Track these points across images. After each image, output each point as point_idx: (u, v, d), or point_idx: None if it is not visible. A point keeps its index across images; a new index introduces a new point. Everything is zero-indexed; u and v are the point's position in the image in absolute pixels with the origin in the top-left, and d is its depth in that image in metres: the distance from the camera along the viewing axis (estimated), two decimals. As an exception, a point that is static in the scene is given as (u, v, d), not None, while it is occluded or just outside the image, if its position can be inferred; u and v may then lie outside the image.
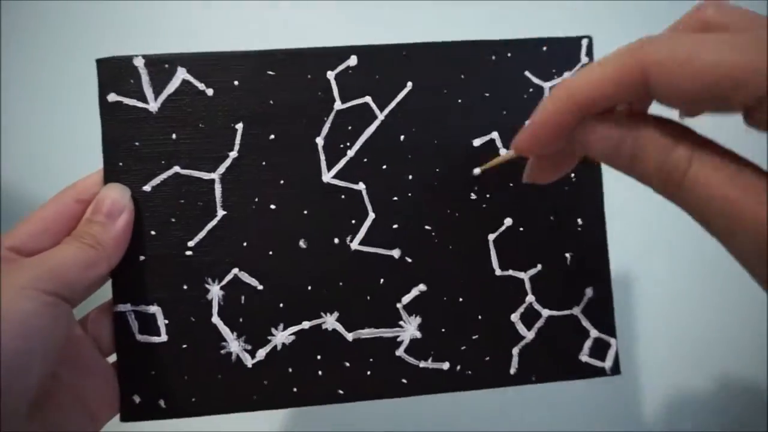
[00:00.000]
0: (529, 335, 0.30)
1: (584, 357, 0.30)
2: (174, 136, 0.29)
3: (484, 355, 0.30)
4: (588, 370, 0.30)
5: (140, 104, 0.29)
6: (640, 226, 0.45)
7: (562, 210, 0.31)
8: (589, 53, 0.31)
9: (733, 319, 0.45)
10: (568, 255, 0.31)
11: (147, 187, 0.29)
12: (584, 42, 0.31)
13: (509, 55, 0.31)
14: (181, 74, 0.29)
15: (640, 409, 0.45)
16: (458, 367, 0.30)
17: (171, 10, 0.49)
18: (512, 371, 0.30)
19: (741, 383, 0.45)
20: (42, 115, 0.47)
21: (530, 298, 0.30)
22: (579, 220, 0.31)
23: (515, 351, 0.30)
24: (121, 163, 0.29)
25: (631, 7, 0.48)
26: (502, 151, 0.31)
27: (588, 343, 0.30)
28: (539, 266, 0.31)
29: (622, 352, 0.31)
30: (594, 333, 0.31)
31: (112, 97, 0.29)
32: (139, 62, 0.29)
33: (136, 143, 0.29)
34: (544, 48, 0.31)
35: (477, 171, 0.30)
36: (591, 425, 0.44)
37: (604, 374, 0.31)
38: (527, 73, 0.31)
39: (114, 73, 0.29)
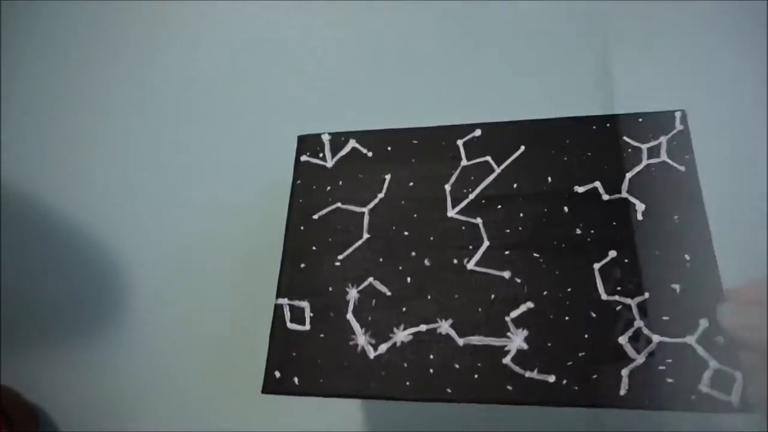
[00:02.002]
0: (639, 358, 0.30)
1: (705, 388, 0.29)
2: (340, 182, 0.39)
3: (591, 372, 0.31)
4: (711, 402, 0.29)
5: (321, 162, 0.40)
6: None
7: (668, 246, 0.33)
8: (684, 122, 0.36)
9: None
10: (676, 286, 0.32)
11: (315, 216, 0.38)
12: (678, 114, 0.36)
13: (608, 125, 0.37)
14: (352, 143, 0.41)
15: None
16: (564, 381, 0.31)
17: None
18: (622, 392, 0.30)
19: None
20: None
21: (639, 322, 0.31)
22: (686, 256, 0.32)
23: (624, 372, 0.30)
24: (301, 200, 0.39)
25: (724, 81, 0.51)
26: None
27: (707, 374, 0.29)
28: (646, 294, 0.32)
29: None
30: (714, 364, 0.30)
31: (303, 158, 0.41)
32: (325, 137, 0.41)
33: (314, 186, 0.40)
34: (640, 120, 0.37)
35: None
36: None
37: (730, 409, 0.28)
38: (626, 138, 0.36)
39: (307, 143, 0.41)
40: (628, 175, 0.35)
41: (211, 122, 0.57)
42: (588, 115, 0.38)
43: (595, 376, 0.30)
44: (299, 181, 0.40)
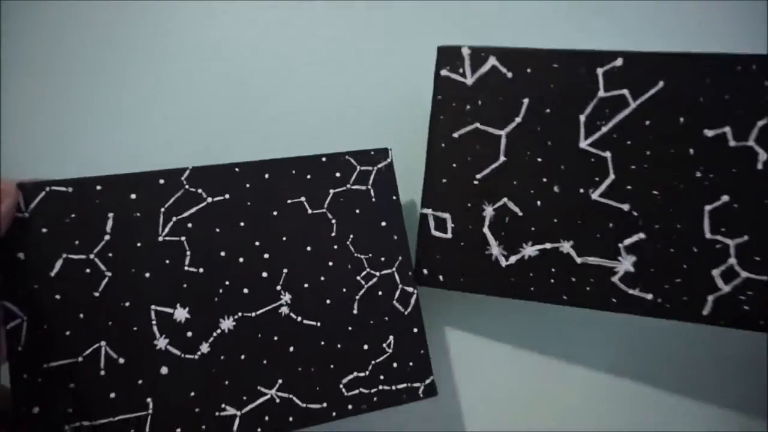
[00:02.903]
0: (726, 288, 0.38)
1: None
2: (479, 102, 0.43)
3: (683, 295, 0.39)
4: None
5: (460, 78, 0.43)
6: None
7: (778, 197, 0.38)
8: (829, 68, 0.37)
9: None
10: (774, 233, 0.38)
11: (456, 135, 0.43)
12: (828, 61, 0.37)
13: (754, 67, 0.38)
14: (492, 61, 0.43)
15: None
16: (659, 300, 0.39)
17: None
18: (705, 312, 0.39)
19: None
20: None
21: (732, 260, 0.38)
22: (792, 208, 0.37)
23: (710, 298, 0.38)
24: (441, 117, 0.44)
25: None
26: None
27: (779, 307, 0.37)
28: (746, 237, 0.38)
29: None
30: None
31: (443, 72, 0.44)
32: (465, 51, 0.43)
33: (453, 104, 0.43)
34: (788, 63, 0.37)
35: None
36: None
37: (788, 333, 0.37)
38: (767, 83, 0.38)
39: (448, 56, 0.43)
40: (759, 123, 0.38)
41: (346, 29, 0.57)
42: (735, 53, 0.38)
43: (685, 299, 0.39)
44: (440, 97, 0.44)
